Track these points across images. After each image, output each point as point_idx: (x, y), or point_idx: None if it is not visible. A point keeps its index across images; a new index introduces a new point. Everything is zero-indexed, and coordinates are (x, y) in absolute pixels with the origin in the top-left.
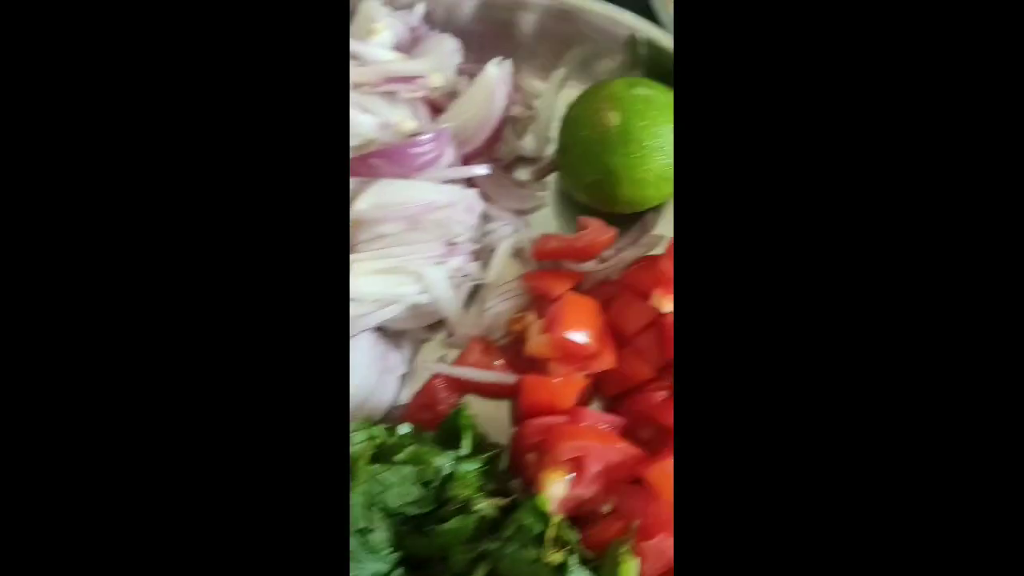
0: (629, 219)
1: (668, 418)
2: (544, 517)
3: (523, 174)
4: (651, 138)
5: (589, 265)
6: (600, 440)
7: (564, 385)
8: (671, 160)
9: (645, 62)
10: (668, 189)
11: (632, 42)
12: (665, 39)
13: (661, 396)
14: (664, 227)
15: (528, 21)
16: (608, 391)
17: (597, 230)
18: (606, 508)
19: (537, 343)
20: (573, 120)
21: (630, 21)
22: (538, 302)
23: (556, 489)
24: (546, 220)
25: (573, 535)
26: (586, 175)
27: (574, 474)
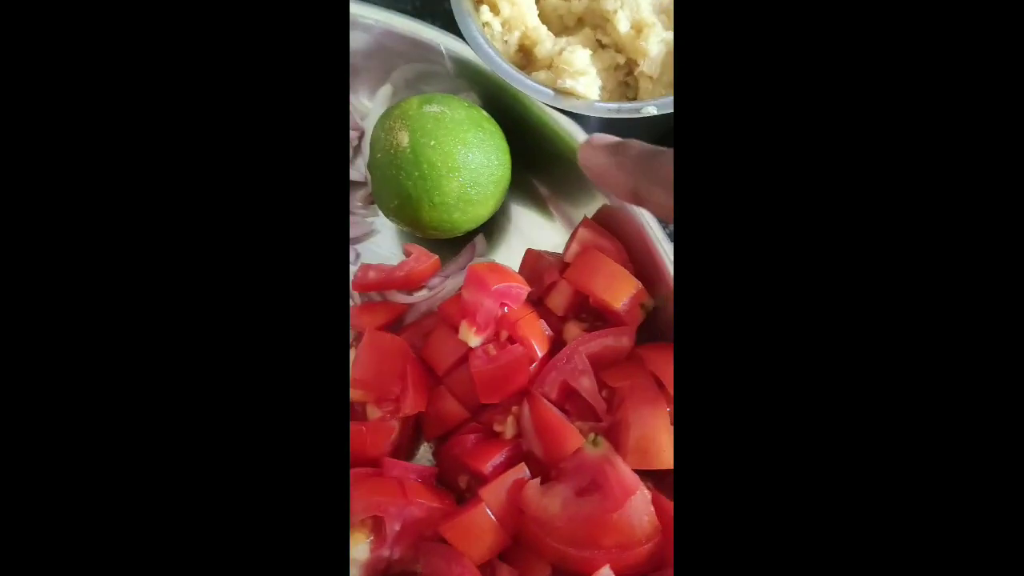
0: (460, 242)
1: (479, 463)
2: None
3: (354, 200)
4: (443, 159)
5: (420, 294)
6: (399, 495)
7: (373, 432)
8: (471, 182)
9: (473, 81)
10: (477, 212)
11: (458, 60)
12: (476, 57)
13: (473, 439)
14: (497, 252)
15: (357, 39)
16: (430, 434)
17: (418, 258)
18: (419, 568)
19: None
20: (372, 142)
21: (446, 39)
22: (359, 340)
23: (359, 551)
24: (384, 248)
25: None
26: (389, 200)
27: (372, 536)
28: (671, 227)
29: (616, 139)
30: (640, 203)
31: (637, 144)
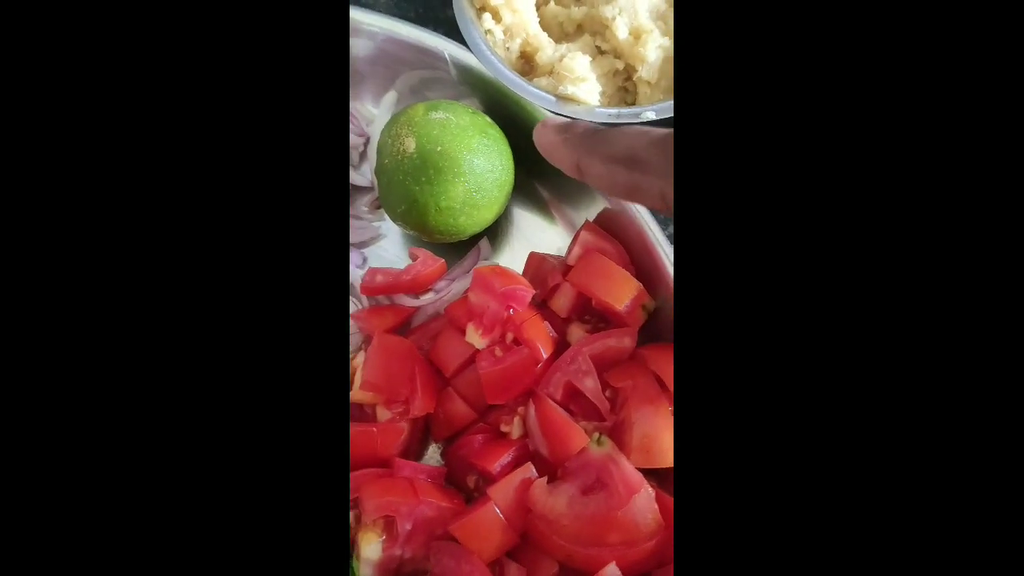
0: (465, 246)
1: (487, 463)
2: None
3: (361, 205)
4: (448, 164)
5: (426, 297)
6: (410, 495)
7: (383, 434)
8: (476, 187)
9: (475, 88)
10: (482, 216)
11: (461, 67)
12: (478, 63)
13: (480, 440)
14: (500, 255)
15: (361, 46)
16: (438, 435)
17: (424, 261)
18: (430, 567)
19: (355, 388)
20: (379, 148)
21: (450, 47)
22: (368, 343)
23: (371, 551)
24: (390, 252)
25: None
26: (396, 205)
27: (384, 535)
28: (671, 229)
29: (565, 120)
30: (583, 177)
31: (583, 124)
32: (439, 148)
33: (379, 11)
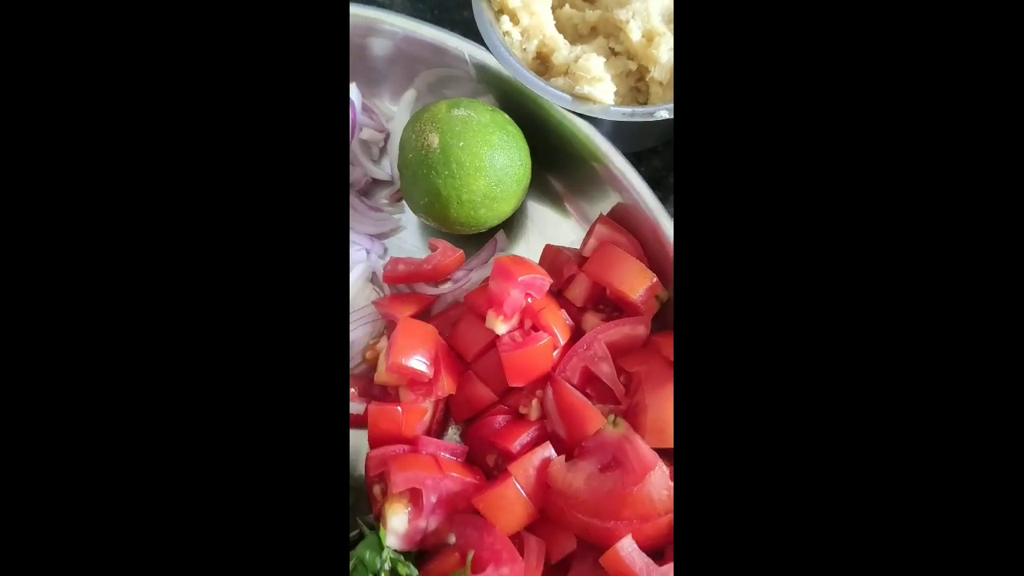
0: (482, 238)
1: (507, 442)
2: (382, 552)
3: (381, 198)
4: (471, 159)
5: (445, 287)
6: (435, 470)
7: (407, 413)
8: (496, 181)
9: (492, 85)
10: (502, 209)
11: (480, 66)
12: (497, 63)
13: (501, 421)
14: (516, 247)
15: (380, 45)
16: (458, 417)
17: (444, 252)
18: (451, 539)
19: (380, 371)
20: (403, 143)
21: (468, 47)
22: (391, 328)
23: (397, 522)
24: (408, 243)
25: (411, 569)
26: (419, 197)
27: (411, 507)
28: None
29: None
30: None
31: None
32: (462, 144)
33: (396, 11)
